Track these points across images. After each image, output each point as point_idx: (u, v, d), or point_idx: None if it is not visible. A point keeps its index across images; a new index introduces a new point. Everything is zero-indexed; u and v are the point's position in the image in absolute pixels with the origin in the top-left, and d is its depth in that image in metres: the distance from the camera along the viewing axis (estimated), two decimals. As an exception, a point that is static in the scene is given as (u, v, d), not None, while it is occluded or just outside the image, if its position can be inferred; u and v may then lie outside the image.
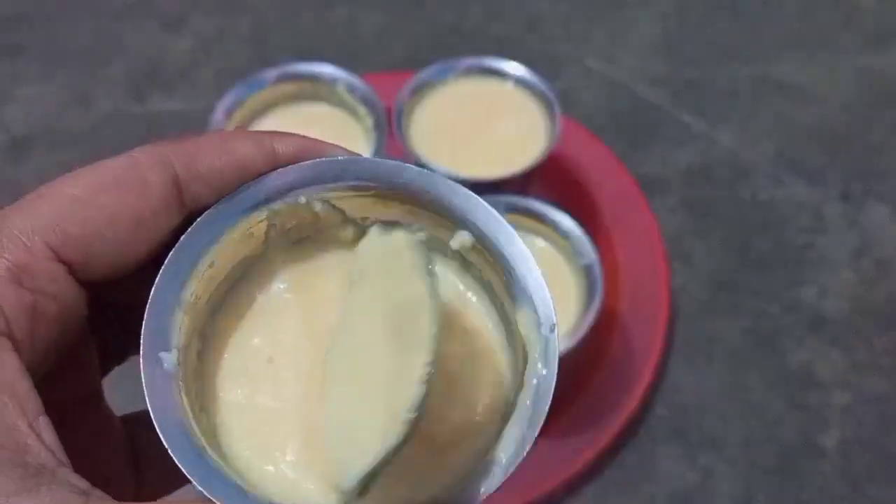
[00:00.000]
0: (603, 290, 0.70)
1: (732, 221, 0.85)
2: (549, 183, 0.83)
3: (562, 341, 0.68)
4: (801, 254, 0.83)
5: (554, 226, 0.74)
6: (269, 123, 0.82)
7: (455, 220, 0.30)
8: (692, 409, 0.75)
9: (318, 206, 0.31)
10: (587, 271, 0.71)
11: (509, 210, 0.73)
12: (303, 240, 0.32)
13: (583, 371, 0.74)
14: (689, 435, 0.73)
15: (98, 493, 0.24)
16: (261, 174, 0.30)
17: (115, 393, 0.34)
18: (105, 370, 0.34)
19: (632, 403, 0.72)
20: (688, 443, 0.73)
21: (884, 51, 0.98)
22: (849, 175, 0.88)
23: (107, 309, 0.32)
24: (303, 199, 0.30)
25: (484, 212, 0.30)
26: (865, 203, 0.86)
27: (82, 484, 0.24)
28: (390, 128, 0.78)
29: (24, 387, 0.25)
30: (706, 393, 0.76)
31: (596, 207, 0.83)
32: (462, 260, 0.32)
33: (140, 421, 0.27)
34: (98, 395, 0.33)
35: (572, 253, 0.73)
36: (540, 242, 0.75)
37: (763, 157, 0.90)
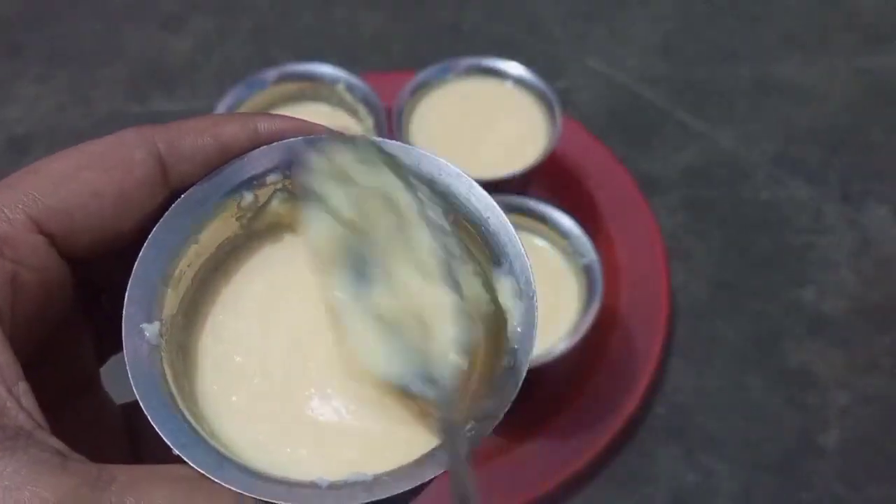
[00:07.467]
0: (603, 289, 0.70)
1: (732, 221, 0.85)
2: (549, 183, 0.83)
3: (562, 341, 0.68)
4: (801, 254, 0.83)
5: (554, 226, 0.74)
6: (269, 123, 0.82)
7: (435, 192, 0.31)
8: (692, 409, 0.75)
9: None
10: (587, 271, 0.71)
11: (509, 210, 0.73)
12: (285, 216, 0.32)
13: (583, 371, 0.74)
14: (689, 435, 0.73)
15: (76, 455, 0.24)
16: (244, 153, 0.30)
17: (116, 381, 0.34)
18: (102, 358, 0.34)
19: (632, 403, 0.72)
20: (688, 443, 0.73)
21: (884, 51, 0.98)
22: (849, 175, 0.88)
23: (101, 295, 0.32)
24: (279, 180, 0.30)
25: (465, 184, 0.31)
26: (865, 203, 0.86)
27: (60, 446, 0.24)
28: (390, 128, 0.78)
29: (3, 353, 0.25)
30: (706, 393, 0.75)
31: (596, 207, 0.83)
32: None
33: (138, 407, 0.27)
34: (95, 382, 0.33)
35: (572, 253, 0.73)
36: (540, 242, 0.75)
37: (763, 157, 0.90)
